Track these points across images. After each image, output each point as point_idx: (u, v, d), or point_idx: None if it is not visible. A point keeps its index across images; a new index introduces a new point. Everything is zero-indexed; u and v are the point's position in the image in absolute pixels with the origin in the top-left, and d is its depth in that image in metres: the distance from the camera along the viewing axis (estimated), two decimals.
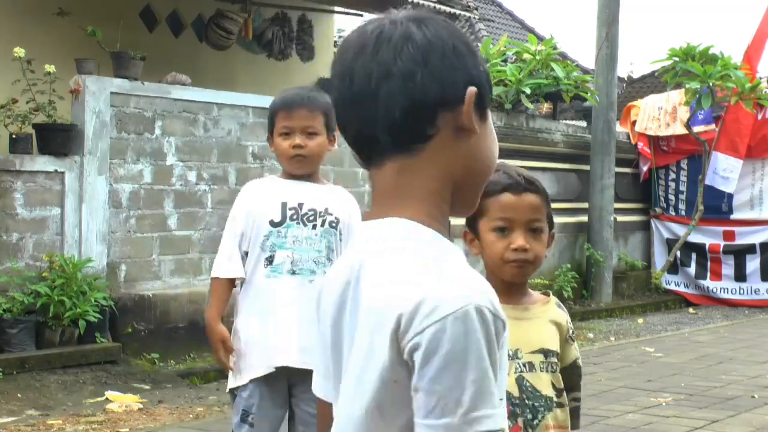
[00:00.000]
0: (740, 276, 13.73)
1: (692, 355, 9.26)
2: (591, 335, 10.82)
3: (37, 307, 7.48)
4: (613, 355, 9.24)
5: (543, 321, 2.54)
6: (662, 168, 14.41)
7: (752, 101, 12.88)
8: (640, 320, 12.15)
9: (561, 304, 2.64)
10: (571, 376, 2.56)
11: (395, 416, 1.32)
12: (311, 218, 3.65)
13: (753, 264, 13.67)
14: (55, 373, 7.30)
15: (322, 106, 3.72)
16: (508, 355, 2.36)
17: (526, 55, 12.28)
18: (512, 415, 2.40)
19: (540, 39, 14.54)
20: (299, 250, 3.61)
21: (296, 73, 11.78)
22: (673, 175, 14.39)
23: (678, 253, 13.98)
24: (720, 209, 13.80)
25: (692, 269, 13.92)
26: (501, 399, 1.29)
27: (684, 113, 13.56)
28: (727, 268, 13.78)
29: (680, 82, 13.10)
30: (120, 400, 6.84)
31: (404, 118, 1.37)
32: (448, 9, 12.59)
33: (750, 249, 13.69)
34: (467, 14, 13.93)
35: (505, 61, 12.42)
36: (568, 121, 14.90)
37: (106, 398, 6.92)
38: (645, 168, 14.41)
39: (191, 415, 6.58)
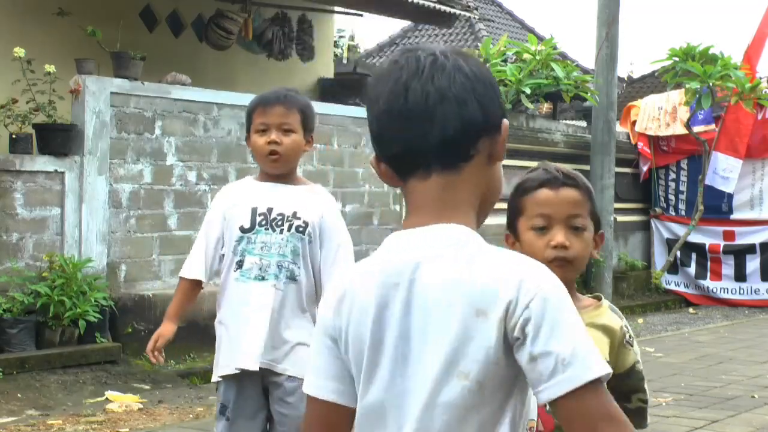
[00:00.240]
0: (740, 276, 13.73)
1: (692, 355, 9.26)
2: None
3: (37, 307, 7.48)
4: None
5: (592, 328, 2.35)
6: (662, 168, 14.42)
7: (752, 101, 12.88)
8: (640, 320, 12.14)
9: (615, 308, 2.50)
10: (631, 380, 2.46)
11: (494, 394, 1.52)
12: (279, 223, 3.67)
13: (753, 264, 13.68)
14: (55, 373, 7.30)
15: (300, 104, 3.74)
16: None
17: (526, 55, 12.28)
18: (557, 430, 2.27)
19: (540, 39, 14.54)
20: (267, 255, 3.65)
21: (296, 73, 11.79)
22: (673, 175, 14.39)
23: (678, 253, 13.98)
24: (720, 209, 13.80)
25: (692, 269, 13.92)
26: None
27: (684, 113, 13.56)
28: (727, 268, 13.78)
29: (680, 82, 13.10)
30: (120, 400, 6.84)
31: (456, 137, 1.56)
32: (448, 9, 12.58)
33: (750, 249, 13.69)
34: (467, 14, 13.91)
35: (505, 61, 12.42)
36: (568, 121, 14.90)
37: (106, 398, 6.92)
38: (645, 168, 14.41)
39: (191, 415, 6.58)
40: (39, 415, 6.48)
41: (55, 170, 7.86)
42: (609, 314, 2.44)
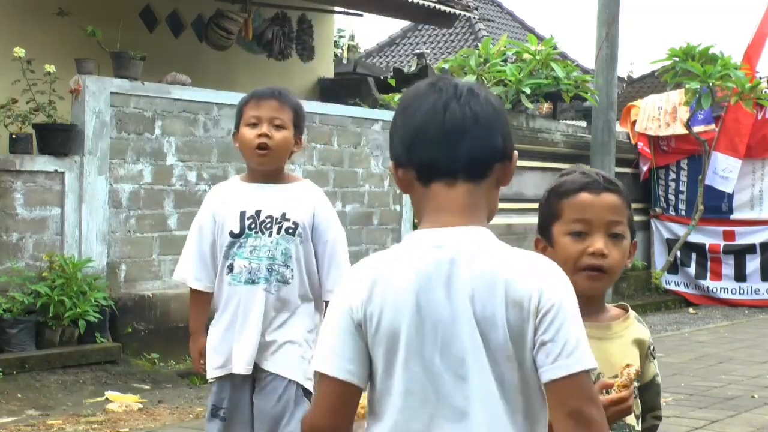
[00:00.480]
0: (740, 276, 13.73)
1: (692, 355, 9.26)
2: None
3: (37, 307, 7.48)
4: None
5: (626, 341, 2.31)
6: (662, 168, 14.42)
7: (752, 101, 12.88)
8: None
9: (640, 318, 2.41)
10: (649, 394, 2.37)
11: (524, 365, 1.79)
12: (268, 226, 3.63)
13: (753, 264, 13.67)
14: (55, 373, 7.30)
15: (293, 103, 3.71)
16: None
17: (526, 55, 12.28)
18: None
19: (540, 39, 14.54)
20: (256, 259, 3.62)
21: (296, 73, 11.79)
22: (673, 175, 14.39)
23: (678, 253, 13.98)
24: (720, 209, 13.80)
25: (692, 269, 13.92)
26: None
27: (684, 113, 13.56)
28: (727, 268, 13.78)
29: (680, 82, 13.10)
30: (120, 400, 6.84)
31: (480, 156, 1.84)
32: (448, 9, 12.58)
33: (750, 249, 13.69)
34: (467, 14, 13.92)
35: (505, 61, 12.42)
36: (568, 121, 14.90)
37: (106, 398, 6.92)
38: (645, 168, 14.41)
39: (191, 415, 6.58)
40: (39, 415, 6.48)
41: (55, 170, 7.86)
42: (637, 326, 2.37)
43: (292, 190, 3.70)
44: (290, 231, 3.63)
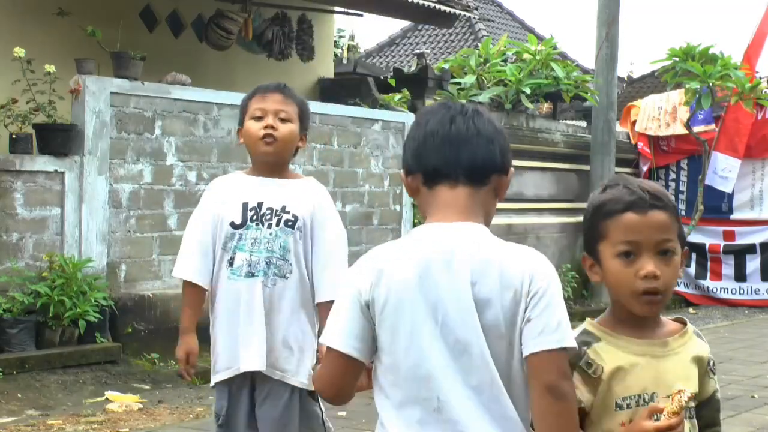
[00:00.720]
0: (740, 276, 13.73)
1: None
2: None
3: (37, 307, 7.48)
4: None
5: (683, 358, 2.21)
6: (662, 168, 14.41)
7: (752, 101, 12.87)
8: None
9: (699, 333, 2.31)
10: (709, 411, 2.27)
11: (513, 342, 2.03)
12: (268, 217, 3.56)
13: (753, 264, 13.67)
14: (55, 373, 7.30)
15: (298, 98, 3.68)
16: (643, 399, 2.14)
17: (526, 55, 12.27)
18: None
19: (540, 39, 14.54)
20: (257, 252, 3.54)
21: (296, 73, 11.78)
22: (673, 175, 14.39)
23: None
24: (720, 209, 13.79)
25: (692, 269, 13.92)
26: None
27: (684, 113, 13.56)
28: (727, 268, 13.78)
29: (680, 82, 13.09)
30: (120, 400, 6.84)
31: (480, 164, 2.12)
32: (448, 9, 12.57)
33: (750, 249, 13.69)
34: (467, 14, 13.91)
35: (505, 61, 12.42)
36: (568, 121, 14.89)
37: (106, 398, 6.92)
38: (645, 168, 14.41)
39: (191, 415, 6.58)
40: (39, 415, 6.48)
41: (55, 170, 7.86)
42: (696, 341, 2.27)
43: (295, 186, 3.65)
44: (289, 224, 3.56)
